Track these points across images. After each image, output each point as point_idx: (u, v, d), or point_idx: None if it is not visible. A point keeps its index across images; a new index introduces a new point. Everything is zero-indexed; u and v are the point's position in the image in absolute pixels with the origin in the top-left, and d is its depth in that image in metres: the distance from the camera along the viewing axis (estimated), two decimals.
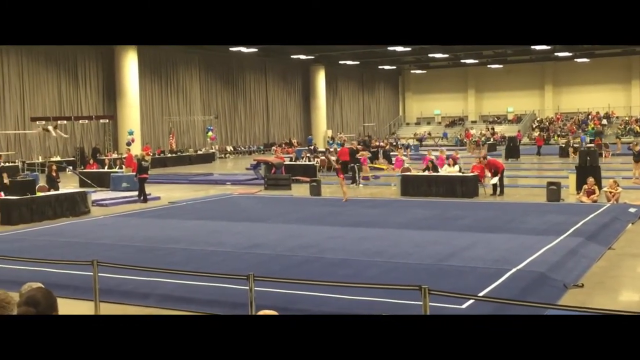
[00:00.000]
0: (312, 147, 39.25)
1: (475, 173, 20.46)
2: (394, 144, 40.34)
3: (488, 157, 21.47)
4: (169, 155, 40.08)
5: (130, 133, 36.24)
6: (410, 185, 20.76)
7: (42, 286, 3.52)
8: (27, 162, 31.80)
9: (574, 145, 36.20)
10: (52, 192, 18.10)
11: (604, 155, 32.83)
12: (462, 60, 55.27)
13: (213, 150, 42.99)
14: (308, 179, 23.47)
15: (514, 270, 9.88)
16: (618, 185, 17.66)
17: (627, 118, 55.57)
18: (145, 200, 20.39)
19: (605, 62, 55.48)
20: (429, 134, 59.63)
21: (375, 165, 32.48)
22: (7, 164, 30.85)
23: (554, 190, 18.17)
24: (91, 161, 29.82)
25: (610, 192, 17.34)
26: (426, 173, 21.23)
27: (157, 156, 37.76)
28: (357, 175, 24.68)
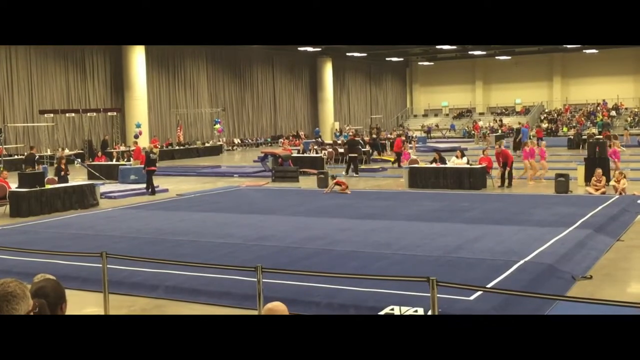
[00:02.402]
0: (319, 140, 39.20)
1: (483, 165, 20.42)
2: (405, 138, 39.85)
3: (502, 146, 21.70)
4: (177, 147, 40.14)
5: (138, 126, 36.31)
6: (418, 178, 20.73)
7: (51, 277, 3.53)
8: (36, 154, 31.91)
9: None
10: (61, 185, 18.17)
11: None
12: (470, 52, 55.03)
13: (221, 143, 43.04)
14: (315, 171, 23.48)
15: (522, 262, 9.86)
16: (625, 177, 17.56)
17: (636, 109, 55.22)
18: (153, 192, 20.45)
19: (614, 53, 55.09)
20: (437, 125, 59.48)
21: (383, 157, 32.47)
22: (16, 157, 31.03)
23: (562, 182, 18.10)
24: (99, 154, 29.91)
25: (614, 185, 17.23)
26: (434, 165, 21.20)
27: (165, 148, 37.82)
28: (355, 166, 25.21)
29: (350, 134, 34.88)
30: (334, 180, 19.84)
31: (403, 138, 32.80)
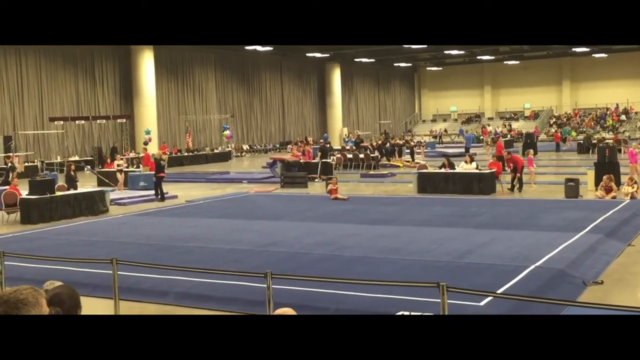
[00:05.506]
0: (328, 145, 39.25)
1: (493, 170, 20.38)
2: (414, 144, 39.74)
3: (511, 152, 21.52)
4: (186, 154, 40.27)
5: (147, 132, 36.46)
6: (427, 183, 20.70)
7: (59, 283, 3.52)
8: (46, 161, 32.12)
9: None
10: (71, 192, 18.25)
11: (622, 151, 32.48)
12: (478, 57, 54.99)
13: (229, 149, 43.13)
14: (324, 177, 23.48)
15: (532, 267, 9.81)
16: (635, 182, 17.45)
17: None
18: (162, 199, 20.51)
19: (623, 57, 54.91)
20: (445, 130, 59.40)
21: (392, 163, 32.45)
22: (26, 164, 31.20)
23: (572, 187, 18.02)
24: (109, 160, 30.03)
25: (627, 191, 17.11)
26: (442, 170, 21.17)
27: (173, 155, 37.96)
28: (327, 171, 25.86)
29: (321, 142, 35.54)
30: (328, 188, 19.91)
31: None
